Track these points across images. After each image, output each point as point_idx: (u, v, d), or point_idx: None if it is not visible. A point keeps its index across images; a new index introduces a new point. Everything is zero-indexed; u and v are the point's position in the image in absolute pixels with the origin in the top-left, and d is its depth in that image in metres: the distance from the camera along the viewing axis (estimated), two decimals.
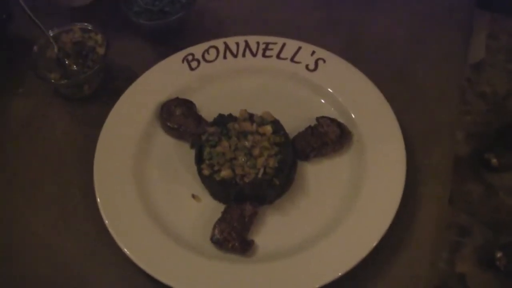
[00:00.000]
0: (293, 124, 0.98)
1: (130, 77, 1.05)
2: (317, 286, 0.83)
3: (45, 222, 0.95)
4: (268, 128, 0.93)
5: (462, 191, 2.00)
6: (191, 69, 1.07)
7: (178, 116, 1.00)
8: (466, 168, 2.05)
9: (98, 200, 0.92)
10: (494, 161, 1.99)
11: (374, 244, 0.86)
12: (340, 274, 0.84)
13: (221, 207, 0.92)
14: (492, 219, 1.97)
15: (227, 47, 1.08)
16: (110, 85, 1.07)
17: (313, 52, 1.06)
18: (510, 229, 1.95)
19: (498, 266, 1.85)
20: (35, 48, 1.06)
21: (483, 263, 1.89)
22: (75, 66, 1.06)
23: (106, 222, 0.90)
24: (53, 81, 1.04)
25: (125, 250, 0.87)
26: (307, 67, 1.05)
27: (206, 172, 0.91)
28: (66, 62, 1.06)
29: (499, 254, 1.86)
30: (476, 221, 1.95)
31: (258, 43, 1.08)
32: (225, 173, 0.89)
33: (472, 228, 1.94)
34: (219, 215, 0.91)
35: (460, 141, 2.03)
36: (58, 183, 0.99)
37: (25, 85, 1.11)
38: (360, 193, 0.92)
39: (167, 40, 1.11)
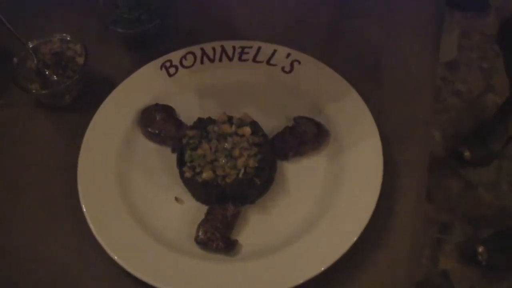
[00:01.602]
0: (271, 125, 1.01)
1: (110, 85, 1.07)
2: (300, 281, 0.85)
3: (30, 229, 0.96)
4: (247, 129, 0.95)
5: (441, 188, 2.02)
6: (169, 75, 1.08)
7: (158, 122, 1.02)
8: (444, 166, 2.08)
9: (83, 206, 0.93)
10: (466, 154, 2.02)
11: (355, 239, 0.88)
12: (322, 269, 0.85)
13: (204, 208, 0.94)
14: (472, 214, 2.00)
15: (204, 52, 1.10)
16: (91, 94, 1.08)
17: (288, 55, 1.08)
18: (490, 224, 1.98)
19: (480, 261, 1.88)
20: (15, 59, 1.06)
21: (465, 258, 1.92)
22: (55, 76, 1.07)
23: (92, 227, 0.91)
24: (34, 91, 1.05)
25: (112, 254, 0.88)
26: (283, 69, 1.08)
27: (188, 174, 0.92)
28: (46, 72, 1.07)
29: (480, 249, 1.88)
30: (456, 217, 1.98)
31: (234, 47, 1.10)
32: (206, 174, 0.91)
33: (453, 225, 1.97)
34: (202, 216, 0.92)
35: (437, 139, 2.06)
36: (42, 191, 0.99)
37: (6, 96, 1.11)
38: (339, 190, 0.94)
39: (144, 48, 1.12)
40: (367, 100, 1.02)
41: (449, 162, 2.10)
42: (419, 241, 0.93)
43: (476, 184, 2.06)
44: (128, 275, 0.87)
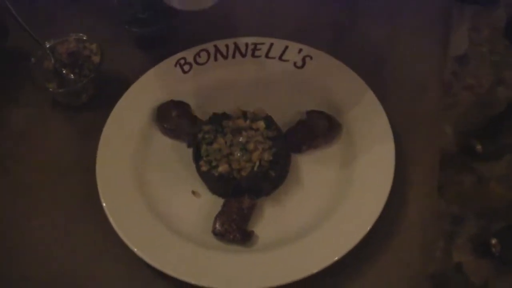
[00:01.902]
0: (285, 119, 1.03)
1: (126, 83, 1.09)
2: (315, 271, 0.86)
3: (50, 227, 0.98)
4: (261, 124, 0.97)
5: (453, 182, 2.03)
6: (184, 72, 1.10)
7: (174, 118, 1.04)
8: (455, 160, 2.09)
9: (103, 202, 0.95)
10: (478, 148, 2.02)
11: (368, 228, 0.89)
12: (335, 259, 0.87)
13: (220, 201, 0.96)
14: (484, 207, 2.01)
15: (217, 49, 1.12)
16: (106, 92, 1.10)
17: (300, 50, 1.10)
18: (502, 216, 1.99)
19: (493, 253, 1.89)
20: (33, 60, 1.09)
21: (478, 251, 1.93)
22: (72, 75, 1.09)
23: (112, 222, 0.93)
24: (51, 90, 1.08)
25: (132, 247, 0.90)
26: (295, 64, 1.10)
27: (204, 168, 0.95)
28: (63, 71, 1.09)
29: (493, 241, 1.89)
30: (469, 210, 1.99)
31: (247, 44, 1.12)
32: (222, 168, 0.93)
33: (466, 218, 1.97)
34: (218, 208, 0.94)
35: (448, 134, 2.07)
36: (60, 188, 1.01)
37: (23, 96, 1.14)
38: (351, 182, 0.96)
39: (158, 46, 1.15)
40: (377, 94, 1.03)
41: (460, 156, 2.11)
42: (431, 234, 0.97)
43: (488, 178, 2.06)
44: (147, 267, 0.89)
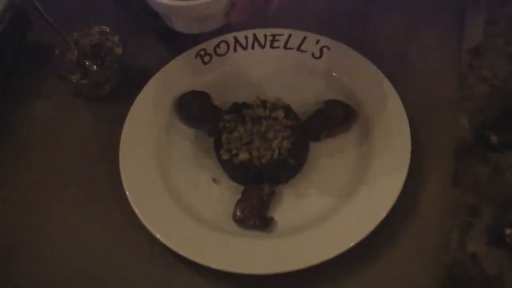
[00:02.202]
0: (303, 108, 1.05)
1: (147, 74, 1.11)
2: (331, 256, 0.88)
3: (75, 215, 1.01)
4: (280, 113, 0.99)
5: (468, 173, 2.04)
6: (204, 63, 1.13)
7: (195, 107, 1.06)
8: (471, 151, 2.10)
9: (126, 190, 0.97)
10: (493, 138, 2.03)
11: (383, 216, 0.91)
12: (351, 244, 0.89)
13: (240, 188, 0.98)
14: (500, 198, 2.02)
15: (236, 40, 1.14)
16: (129, 83, 1.12)
17: (318, 41, 1.12)
18: None
19: (508, 243, 1.90)
20: (56, 52, 1.11)
21: (493, 241, 1.94)
22: (95, 67, 1.11)
23: (135, 209, 0.95)
24: (74, 81, 1.10)
25: (155, 233, 0.93)
26: (313, 54, 1.11)
27: (225, 156, 0.97)
28: (86, 63, 1.11)
29: (508, 231, 1.90)
30: (484, 201, 2.00)
31: (265, 35, 1.14)
32: (242, 156, 0.96)
33: (481, 208, 1.98)
34: (239, 196, 0.97)
35: (464, 125, 2.08)
36: (86, 177, 1.04)
37: (47, 88, 1.16)
38: (367, 170, 0.98)
39: (179, 38, 1.16)
40: (393, 84, 1.05)
41: (476, 147, 2.12)
42: (446, 224, 0.98)
43: (503, 168, 2.07)
44: (169, 252, 0.92)
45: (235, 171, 0.98)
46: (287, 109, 1.01)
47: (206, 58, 1.13)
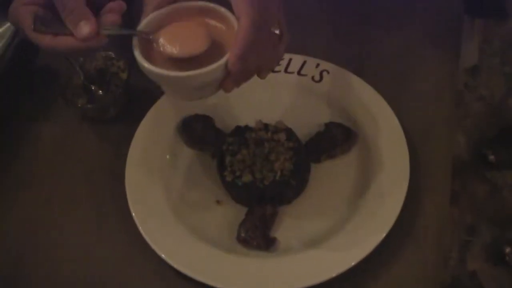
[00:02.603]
0: (304, 131, 1.07)
1: (151, 98, 1.13)
2: (333, 275, 0.90)
3: (83, 234, 1.03)
4: (282, 135, 1.01)
5: (466, 191, 2.06)
6: None
7: (198, 130, 1.09)
8: (469, 169, 2.12)
9: (132, 211, 0.99)
10: (491, 157, 2.05)
11: (384, 235, 0.93)
12: (352, 264, 0.91)
13: (243, 209, 1.00)
14: (498, 216, 2.03)
15: None
16: (134, 107, 1.14)
17: (318, 65, 1.15)
18: None
19: (508, 261, 1.91)
20: (63, 76, 1.14)
21: (492, 259, 1.95)
22: (100, 91, 1.14)
23: (141, 230, 0.97)
24: (80, 105, 1.12)
25: (160, 253, 0.95)
26: (313, 78, 1.14)
27: (228, 178, 0.99)
28: (92, 88, 1.14)
29: (507, 249, 1.91)
30: (483, 219, 2.01)
31: None
32: (246, 178, 0.98)
33: (480, 226, 2.00)
34: (242, 217, 0.99)
35: (461, 144, 2.10)
36: (93, 199, 1.06)
37: (54, 111, 1.19)
38: (368, 190, 1.00)
39: None
40: (391, 105, 1.08)
41: (474, 166, 2.14)
42: (445, 241, 1.00)
43: (501, 187, 2.09)
44: (174, 272, 0.94)
45: (239, 192, 1.00)
46: (289, 131, 1.03)
47: None
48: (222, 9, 0.83)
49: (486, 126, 1.88)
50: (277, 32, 0.84)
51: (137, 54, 0.81)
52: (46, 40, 0.80)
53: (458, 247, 0.96)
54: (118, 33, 0.82)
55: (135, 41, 0.82)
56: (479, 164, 2.10)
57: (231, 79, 0.80)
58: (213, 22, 0.85)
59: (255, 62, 0.81)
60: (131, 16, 0.89)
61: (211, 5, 0.84)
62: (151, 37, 0.82)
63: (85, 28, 0.78)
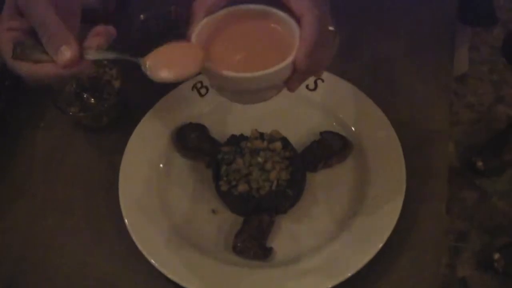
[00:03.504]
0: (299, 140, 1.07)
1: (145, 107, 1.12)
2: (329, 286, 0.90)
3: (76, 243, 1.02)
4: (278, 144, 1.01)
5: (456, 198, 2.07)
6: (201, 95, 1.15)
7: (192, 139, 1.08)
8: (458, 177, 2.14)
9: (126, 221, 0.99)
10: (480, 164, 2.07)
11: (380, 246, 0.93)
12: (349, 275, 0.91)
13: (239, 219, 1.00)
14: (488, 223, 2.05)
15: None
16: (127, 115, 1.14)
17: None
18: (506, 232, 2.03)
19: (497, 268, 1.92)
20: (55, 84, 1.12)
21: (482, 266, 1.96)
22: (92, 99, 1.13)
23: (135, 240, 0.96)
24: (71, 113, 1.11)
25: (155, 263, 0.94)
26: (307, 87, 1.14)
27: (224, 188, 0.99)
28: (84, 96, 1.13)
29: (496, 256, 1.93)
30: (473, 226, 2.03)
31: None
32: (242, 187, 0.97)
33: (469, 233, 2.01)
34: (238, 226, 0.98)
35: (451, 151, 2.11)
36: (86, 207, 1.05)
37: (46, 119, 1.18)
38: (364, 199, 1.00)
39: None
40: (386, 114, 1.08)
41: (463, 173, 2.16)
42: (439, 249, 0.98)
43: (490, 194, 2.11)
44: (170, 283, 0.93)
45: (235, 202, 1.00)
46: (284, 141, 1.03)
47: (203, 91, 1.15)
48: (280, 12, 0.81)
49: (475, 133, 1.90)
50: (332, 29, 0.83)
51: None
52: (25, 68, 0.76)
53: (448, 254, 0.96)
54: (103, 57, 0.79)
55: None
56: (468, 172, 2.13)
57: (296, 77, 0.79)
58: (270, 24, 0.83)
59: (319, 60, 0.80)
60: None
61: (267, 7, 0.82)
62: (139, 60, 0.79)
63: (66, 53, 0.74)
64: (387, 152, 1.03)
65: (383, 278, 0.95)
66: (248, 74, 0.75)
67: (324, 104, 1.12)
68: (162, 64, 0.79)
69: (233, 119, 1.12)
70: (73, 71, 0.76)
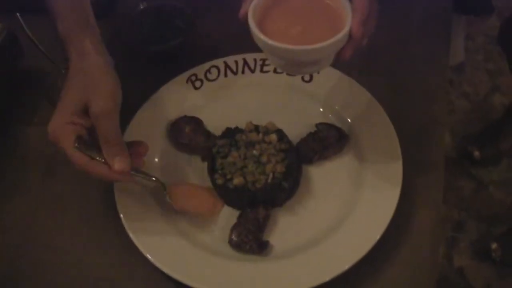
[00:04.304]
0: (294, 132, 1.06)
1: (139, 100, 1.12)
2: (327, 279, 0.90)
3: (72, 240, 1.01)
4: (273, 137, 1.00)
5: (453, 188, 2.07)
6: (195, 88, 1.14)
7: (187, 133, 1.07)
8: (455, 166, 2.13)
9: (121, 215, 0.98)
10: (476, 154, 2.07)
11: (378, 236, 0.93)
12: (347, 267, 0.91)
13: (235, 212, 0.99)
14: (484, 213, 2.05)
15: (227, 65, 1.15)
16: (121, 109, 1.12)
17: None
18: (502, 221, 2.03)
19: (494, 257, 1.92)
20: (48, 79, 1.12)
21: (479, 256, 1.96)
22: None
23: (130, 234, 0.96)
24: None
25: (150, 257, 0.94)
26: (302, 78, 1.13)
27: (219, 181, 0.98)
28: None
29: (493, 246, 1.93)
30: (469, 216, 2.03)
31: (255, 59, 1.15)
32: (237, 180, 0.97)
33: (466, 223, 2.01)
34: (234, 220, 0.98)
35: (447, 140, 2.11)
36: (81, 203, 1.05)
37: (39, 114, 1.17)
38: (361, 191, 1.00)
39: (170, 63, 1.18)
40: (382, 105, 1.07)
41: (460, 162, 2.15)
42: (436, 239, 0.98)
43: (487, 183, 2.11)
44: (166, 277, 0.93)
45: (230, 195, 0.99)
46: (280, 133, 1.02)
47: (197, 83, 1.14)
48: None
49: (470, 122, 1.89)
50: None
51: (256, 32, 0.84)
52: (82, 161, 0.88)
53: (445, 244, 0.96)
54: (142, 178, 0.95)
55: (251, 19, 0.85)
56: (465, 161, 2.12)
57: (351, 45, 0.84)
58: None
59: (370, 27, 0.85)
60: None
61: None
62: (165, 187, 0.97)
63: (119, 164, 0.88)
64: (384, 143, 1.03)
65: (380, 270, 0.94)
66: (309, 47, 0.80)
67: (319, 96, 1.12)
68: (184, 201, 0.99)
69: (228, 112, 1.12)
70: (119, 179, 0.94)
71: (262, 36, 0.82)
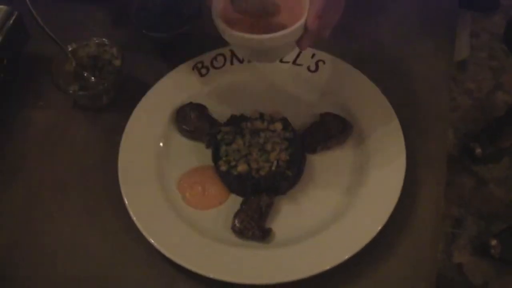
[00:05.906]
0: (300, 121, 1.07)
1: (145, 86, 1.12)
2: (327, 267, 0.91)
3: (74, 223, 1.02)
4: (279, 125, 1.01)
5: (453, 184, 2.08)
6: (201, 75, 1.14)
7: (192, 119, 1.08)
8: (456, 163, 2.14)
9: (125, 199, 0.98)
10: (478, 151, 2.08)
11: (380, 227, 0.93)
12: (347, 257, 0.91)
13: (239, 199, 1.00)
14: (484, 210, 2.06)
15: (233, 54, 1.16)
16: (126, 95, 1.13)
17: (313, 55, 1.14)
18: (502, 218, 2.04)
19: (493, 254, 1.93)
20: (54, 63, 1.12)
21: (478, 252, 1.97)
22: (93, 78, 1.13)
23: (134, 218, 0.96)
24: (71, 92, 1.11)
25: (154, 243, 0.94)
26: (308, 68, 1.14)
27: (223, 168, 0.99)
28: (85, 74, 1.13)
29: (493, 242, 1.94)
30: (469, 212, 2.04)
31: None
32: (241, 168, 0.97)
33: (466, 219, 2.02)
34: (237, 207, 0.98)
35: (449, 137, 2.11)
36: (84, 186, 1.05)
37: (45, 98, 1.17)
38: (363, 182, 1.00)
39: (176, 50, 1.18)
40: (387, 97, 1.08)
41: (461, 159, 2.16)
42: (436, 235, 0.98)
43: (487, 180, 2.11)
44: (169, 263, 0.94)
45: (234, 182, 1.00)
46: (285, 121, 1.03)
47: (203, 71, 1.14)
48: None
49: (473, 120, 1.90)
50: None
51: (219, 22, 0.91)
52: None
53: (444, 240, 0.96)
54: None
55: (214, 12, 0.92)
56: (466, 158, 2.13)
57: (308, 37, 0.89)
58: None
59: (328, 20, 0.88)
60: None
61: None
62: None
63: None
64: (387, 134, 1.03)
65: (380, 262, 0.95)
66: (268, 35, 0.87)
67: (324, 86, 1.12)
68: (196, 198, 1.02)
69: (233, 99, 1.12)
70: None
71: (222, 25, 0.90)
